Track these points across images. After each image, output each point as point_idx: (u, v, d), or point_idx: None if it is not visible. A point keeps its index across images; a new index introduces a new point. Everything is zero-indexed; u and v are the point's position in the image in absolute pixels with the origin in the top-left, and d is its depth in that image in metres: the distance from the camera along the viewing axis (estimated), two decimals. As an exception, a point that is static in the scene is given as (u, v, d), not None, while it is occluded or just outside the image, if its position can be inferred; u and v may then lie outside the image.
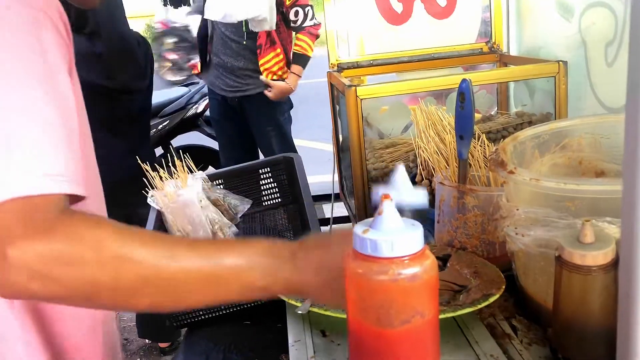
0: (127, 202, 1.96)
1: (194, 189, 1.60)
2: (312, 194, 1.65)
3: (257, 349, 1.28)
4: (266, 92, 3.05)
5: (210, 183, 1.74)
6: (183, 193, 1.58)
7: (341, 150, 2.16)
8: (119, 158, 2.44)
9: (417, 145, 1.64)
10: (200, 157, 3.84)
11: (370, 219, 0.64)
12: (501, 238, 1.07)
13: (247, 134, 3.21)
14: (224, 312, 1.35)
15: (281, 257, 0.66)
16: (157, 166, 1.69)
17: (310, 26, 3.04)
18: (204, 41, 3.16)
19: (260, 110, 3.12)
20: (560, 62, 1.59)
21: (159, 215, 1.61)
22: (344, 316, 0.90)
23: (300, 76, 3.04)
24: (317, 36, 3.10)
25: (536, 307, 0.97)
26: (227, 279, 0.62)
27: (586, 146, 1.12)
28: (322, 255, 0.68)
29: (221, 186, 1.78)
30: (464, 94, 0.99)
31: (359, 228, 0.62)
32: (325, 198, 2.55)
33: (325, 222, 2.37)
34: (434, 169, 1.44)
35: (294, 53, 3.05)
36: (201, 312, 1.34)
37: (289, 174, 1.78)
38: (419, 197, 0.75)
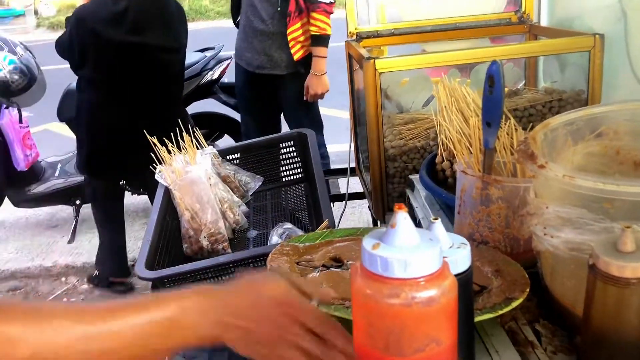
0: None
1: (203, 166, 1.53)
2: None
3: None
4: (306, 98, 2.95)
5: (220, 159, 1.67)
6: (191, 170, 1.51)
7: (358, 124, 2.07)
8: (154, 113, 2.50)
9: (438, 124, 1.54)
10: (215, 125, 3.77)
11: (382, 230, 0.56)
12: (527, 235, 0.99)
13: (272, 105, 3.10)
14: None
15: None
16: (166, 140, 1.62)
17: (326, 3, 2.89)
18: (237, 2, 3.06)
19: (290, 87, 3.00)
20: (597, 36, 1.47)
21: (167, 191, 1.55)
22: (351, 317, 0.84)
23: (325, 57, 2.90)
24: (331, 13, 2.95)
25: (563, 311, 0.90)
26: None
27: (624, 134, 1.02)
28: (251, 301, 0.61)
29: (232, 162, 1.70)
30: (493, 78, 0.90)
31: (368, 241, 0.55)
32: (341, 172, 2.47)
33: (340, 197, 2.30)
34: (455, 149, 1.35)
35: (312, 36, 2.89)
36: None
37: (301, 150, 1.71)
38: (459, 256, 0.66)
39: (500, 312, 0.83)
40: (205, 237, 1.46)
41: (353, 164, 2.25)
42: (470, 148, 1.41)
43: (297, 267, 1.01)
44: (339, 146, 3.91)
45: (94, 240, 3.42)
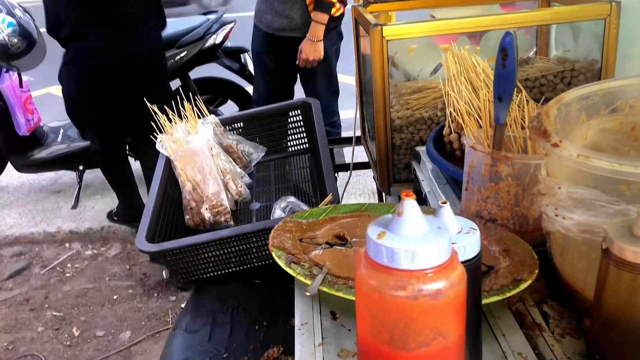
0: None
1: (204, 136, 1.50)
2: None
3: (265, 312, 1.22)
4: (298, 63, 2.85)
5: (222, 128, 1.63)
6: (192, 140, 1.48)
7: (364, 93, 2.03)
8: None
9: (446, 94, 1.50)
10: (219, 90, 3.72)
11: (388, 217, 0.53)
12: (536, 214, 0.96)
13: (289, 70, 3.01)
14: (233, 269, 1.29)
15: None
16: (167, 108, 1.59)
17: None
18: None
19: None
20: (613, 3, 1.41)
21: (168, 162, 1.52)
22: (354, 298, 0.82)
23: (324, 24, 2.80)
24: None
25: (572, 292, 0.87)
26: None
27: (641, 110, 0.98)
28: None
29: (234, 132, 1.67)
30: (507, 50, 0.85)
31: (373, 230, 0.52)
32: (346, 141, 2.44)
33: (345, 167, 2.27)
34: (464, 123, 1.31)
35: (316, 0, 2.78)
36: (209, 269, 1.28)
37: (307, 120, 1.67)
38: (468, 242, 0.63)
39: (508, 295, 0.81)
40: (207, 209, 1.44)
41: (359, 133, 2.21)
42: (480, 121, 1.37)
43: (300, 244, 0.99)
44: (344, 112, 3.86)
45: (97, 206, 3.42)
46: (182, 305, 2.67)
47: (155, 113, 1.56)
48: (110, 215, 3.21)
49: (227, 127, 1.65)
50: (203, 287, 1.31)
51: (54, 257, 3.10)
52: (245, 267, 1.27)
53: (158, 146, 1.52)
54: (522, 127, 1.07)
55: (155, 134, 1.55)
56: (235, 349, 1.15)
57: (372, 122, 1.81)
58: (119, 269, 2.97)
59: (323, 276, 0.86)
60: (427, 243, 0.49)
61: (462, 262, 0.62)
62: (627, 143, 1.00)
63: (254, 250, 1.24)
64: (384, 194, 1.71)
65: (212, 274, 1.28)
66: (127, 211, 3.07)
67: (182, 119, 1.58)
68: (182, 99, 1.58)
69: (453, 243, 0.61)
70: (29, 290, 2.86)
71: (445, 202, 0.61)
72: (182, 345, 1.17)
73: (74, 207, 3.40)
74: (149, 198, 1.40)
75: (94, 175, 3.74)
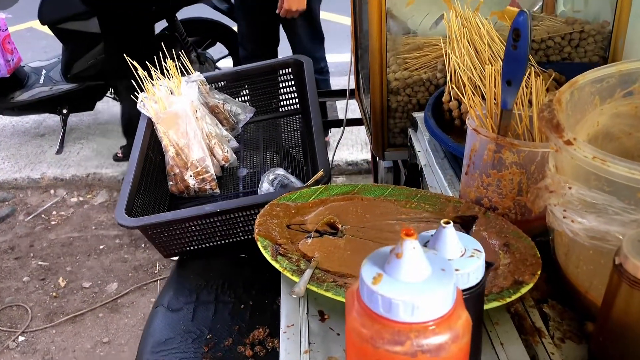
0: None
1: (189, 98, 1.40)
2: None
3: (251, 290, 1.18)
4: (278, 12, 2.67)
5: (207, 86, 1.54)
6: (176, 102, 1.39)
7: (359, 46, 1.92)
8: None
9: (446, 55, 1.41)
10: (207, 32, 3.56)
11: (385, 252, 0.47)
12: (540, 208, 0.90)
13: (270, 12, 2.85)
14: (219, 243, 1.23)
15: None
16: (149, 64, 1.49)
17: None
18: None
19: None
20: (630, -39, 1.31)
21: (150, 123, 1.44)
22: (345, 299, 0.77)
23: None
24: None
25: (575, 293, 0.83)
26: None
27: (659, 93, 0.91)
28: None
29: (221, 91, 1.57)
30: (519, 31, 0.77)
31: (368, 270, 0.46)
32: (339, 94, 2.34)
33: (337, 123, 2.19)
34: (466, 97, 1.23)
35: None
36: (193, 243, 1.22)
37: (297, 79, 1.57)
38: (472, 269, 0.56)
39: (508, 300, 0.75)
40: (191, 176, 1.37)
41: (353, 86, 2.11)
42: (482, 88, 1.29)
43: (288, 230, 0.93)
44: (335, 56, 3.72)
45: (83, 151, 3.33)
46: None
47: (136, 69, 1.46)
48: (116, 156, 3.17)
49: (212, 85, 1.55)
50: (186, 262, 1.25)
51: (39, 204, 3.04)
52: (230, 240, 1.22)
53: (139, 106, 1.43)
54: (530, 105, 1.00)
55: (135, 92, 1.46)
56: (219, 329, 1.11)
57: (367, 78, 1.71)
58: (106, 217, 2.92)
59: (311, 273, 0.81)
60: (430, 292, 0.43)
61: (465, 290, 0.56)
62: (640, 129, 0.93)
63: (240, 224, 1.18)
64: (377, 158, 1.64)
65: (195, 247, 1.23)
66: None
67: (164, 75, 1.48)
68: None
69: (456, 270, 0.55)
70: (14, 238, 2.81)
71: (448, 222, 0.55)
72: (164, 324, 1.13)
73: (59, 152, 3.31)
74: (129, 163, 1.33)
75: (79, 118, 3.63)
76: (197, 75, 1.53)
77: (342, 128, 2.13)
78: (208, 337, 1.10)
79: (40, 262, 2.65)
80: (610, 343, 0.70)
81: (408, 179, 1.32)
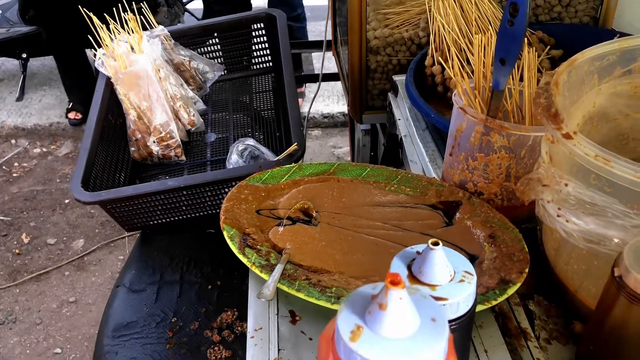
0: None
1: (151, 56, 1.29)
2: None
3: (219, 269, 1.11)
4: None
5: (172, 42, 1.42)
6: (137, 60, 1.27)
7: (337, -3, 1.80)
8: None
9: (431, 15, 1.31)
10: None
11: (367, 296, 0.40)
12: (530, 198, 0.84)
13: None
14: (184, 217, 1.15)
15: None
16: (107, 16, 1.36)
17: None
18: None
19: None
20: None
21: (109, 83, 1.32)
22: (318, 301, 0.70)
23: None
24: None
25: (563, 291, 0.78)
26: None
27: (662, 72, 0.84)
28: None
29: (187, 47, 1.45)
30: (517, 5, 0.68)
31: (346, 320, 0.39)
32: (315, 45, 2.22)
33: (313, 78, 2.08)
34: (452, 71, 1.14)
35: None
36: (156, 217, 1.14)
37: (270, 34, 1.46)
38: (462, 297, 0.49)
39: (494, 303, 0.70)
40: (154, 142, 1.27)
41: (330, 37, 2.00)
42: (467, 53, 1.20)
43: (258, 217, 0.85)
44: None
45: (45, 99, 3.17)
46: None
47: (92, 21, 1.33)
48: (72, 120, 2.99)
49: (178, 40, 1.43)
50: (149, 237, 1.18)
51: (-1, 155, 2.91)
52: (196, 214, 1.14)
53: (97, 64, 1.32)
54: (520, 79, 0.92)
55: (94, 49, 1.34)
56: (184, 312, 1.05)
57: (344, 32, 1.61)
58: (71, 169, 2.79)
59: (281, 271, 0.74)
60: (418, 352, 0.36)
61: (452, 320, 0.50)
62: (639, 109, 0.87)
63: (207, 198, 1.10)
64: (355, 122, 1.56)
65: (159, 221, 1.15)
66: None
67: (124, 28, 1.35)
68: (124, 6, 1.34)
69: (444, 299, 0.48)
70: (-27, 191, 2.69)
71: (437, 244, 0.48)
72: (126, 306, 1.07)
73: (19, 99, 3.14)
74: (86, 127, 1.22)
75: (40, 63, 3.43)
76: (160, 30, 1.40)
77: (318, 84, 2.03)
78: (173, 320, 1.04)
79: (1, 217, 2.54)
80: (601, 353, 0.66)
81: (387, 151, 1.25)
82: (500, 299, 0.70)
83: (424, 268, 0.49)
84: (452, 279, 0.50)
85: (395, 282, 0.37)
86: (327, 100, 2.98)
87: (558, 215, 0.68)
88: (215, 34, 1.46)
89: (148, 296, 1.07)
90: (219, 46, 1.47)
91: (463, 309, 0.49)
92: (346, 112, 2.87)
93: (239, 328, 1.02)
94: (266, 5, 2.78)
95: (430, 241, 0.48)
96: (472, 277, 0.50)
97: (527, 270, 0.75)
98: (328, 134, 2.86)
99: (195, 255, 1.13)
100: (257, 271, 0.74)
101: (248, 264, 0.75)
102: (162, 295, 1.07)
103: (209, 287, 1.08)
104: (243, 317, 1.03)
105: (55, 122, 2.98)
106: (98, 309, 2.14)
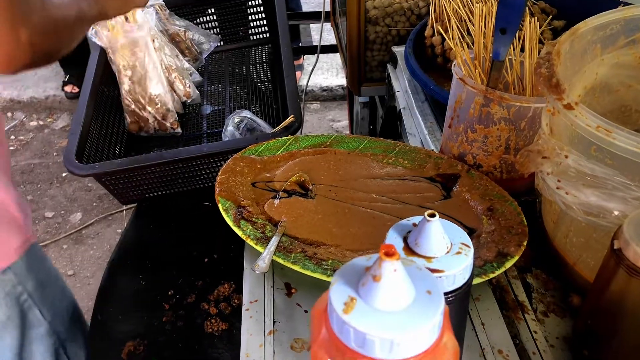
0: None
1: (147, 25, 1.26)
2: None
3: (215, 242, 1.10)
4: None
5: (167, 11, 1.39)
6: (132, 29, 1.25)
7: (336, -34, 1.76)
8: None
9: (431, -16, 1.28)
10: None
11: (360, 268, 0.39)
12: (529, 170, 0.82)
13: None
14: (180, 190, 1.14)
15: None
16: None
17: None
18: None
19: None
20: None
21: (103, 54, 1.30)
22: (314, 274, 0.70)
23: None
24: None
25: (561, 263, 0.77)
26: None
27: (667, 42, 0.82)
28: None
29: (182, 17, 1.43)
30: (519, -28, 0.66)
31: (338, 293, 0.38)
32: (313, 16, 2.18)
33: (311, 50, 2.05)
34: (449, 29, 1.12)
35: None
36: (152, 189, 1.13)
37: (266, 3, 1.43)
38: (458, 270, 0.48)
39: (492, 276, 0.69)
40: (150, 113, 1.25)
41: (328, 8, 1.97)
42: (468, 23, 1.18)
43: (253, 189, 0.84)
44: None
45: (41, 71, 3.13)
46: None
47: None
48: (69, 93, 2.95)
49: (172, 11, 1.41)
50: (145, 211, 1.17)
51: (-5, 128, 2.88)
52: (192, 187, 1.13)
53: (90, 34, 1.29)
54: (522, 50, 0.90)
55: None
56: (181, 285, 1.04)
57: (343, 2, 1.58)
58: (67, 143, 2.78)
59: (277, 243, 0.73)
60: (412, 326, 0.35)
61: (448, 293, 0.49)
62: (643, 80, 0.85)
63: (203, 171, 1.09)
64: (354, 94, 1.54)
65: (155, 194, 1.14)
66: None
67: None
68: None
69: (440, 271, 0.47)
70: (-30, 164, 2.67)
71: (433, 215, 0.47)
72: (122, 279, 1.06)
73: (14, 71, 3.10)
74: (79, 101, 1.21)
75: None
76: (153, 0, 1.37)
77: (316, 56, 2.00)
78: (169, 293, 1.03)
79: (-1, 190, 2.53)
80: (598, 327, 0.65)
81: (385, 123, 1.23)
82: (498, 272, 0.70)
83: (420, 240, 0.48)
84: (449, 251, 0.49)
85: (390, 254, 0.36)
86: (325, 73, 2.95)
87: (558, 188, 0.67)
88: (211, 4, 1.43)
89: (144, 270, 1.06)
90: (214, 17, 1.44)
91: (459, 282, 0.48)
92: (345, 85, 2.84)
93: (236, 301, 1.02)
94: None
95: (426, 213, 0.47)
96: (469, 249, 0.49)
97: (525, 243, 0.74)
98: (327, 107, 2.84)
99: (191, 229, 1.13)
100: (252, 244, 0.73)
101: (243, 237, 0.74)
102: (157, 269, 1.06)
103: (206, 260, 1.07)
104: (240, 290, 1.03)
105: (51, 94, 2.95)
106: (96, 282, 2.15)
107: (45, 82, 3.02)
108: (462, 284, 0.49)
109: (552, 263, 0.79)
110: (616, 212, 0.63)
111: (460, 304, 0.50)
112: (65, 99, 2.95)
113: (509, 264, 0.71)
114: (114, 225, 2.36)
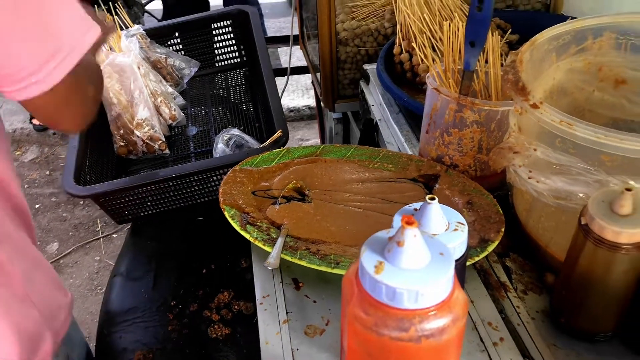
0: None
1: (131, 53, 1.33)
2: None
3: (212, 253, 1.17)
4: None
5: (148, 40, 1.46)
6: (118, 57, 1.31)
7: (303, -7, 1.87)
8: None
9: (397, 6, 1.39)
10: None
11: (384, 239, 0.47)
12: (502, 166, 0.92)
13: None
14: (174, 207, 1.20)
15: None
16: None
17: None
18: None
19: None
20: None
21: (90, 82, 1.35)
22: (320, 267, 0.77)
23: None
24: None
25: (535, 247, 0.87)
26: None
27: (610, 50, 0.93)
28: None
29: (162, 44, 1.50)
30: (485, -7, 0.76)
31: (369, 258, 0.46)
32: (282, 40, 2.28)
33: (281, 72, 2.14)
34: (416, 47, 1.22)
35: None
36: (147, 208, 1.19)
37: (243, 29, 1.51)
38: (457, 243, 0.57)
39: (476, 259, 0.78)
40: (138, 137, 1.31)
41: (296, 32, 2.06)
42: (433, 40, 1.29)
43: (254, 197, 0.92)
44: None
45: (6, 105, 3.13)
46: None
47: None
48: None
49: (152, 39, 1.47)
50: (140, 228, 1.22)
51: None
52: (185, 204, 1.19)
53: (77, 64, 1.35)
54: (486, 61, 1.00)
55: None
56: (182, 295, 1.10)
57: (313, 26, 1.68)
58: (38, 175, 2.78)
59: (283, 242, 0.80)
60: (432, 279, 0.44)
61: (451, 264, 0.57)
62: (593, 83, 0.96)
63: (195, 187, 1.15)
64: (328, 110, 1.63)
65: (150, 212, 1.20)
66: None
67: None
68: (97, 6, 1.38)
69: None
70: (-61, 201, 2.64)
71: (433, 198, 0.55)
72: (125, 293, 1.11)
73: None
74: (72, 128, 1.25)
75: None
76: (136, 29, 1.44)
77: (286, 77, 2.09)
78: (172, 304, 1.09)
79: (-29, 226, 2.52)
80: (572, 297, 0.74)
81: (363, 134, 1.33)
82: (482, 255, 0.79)
83: (422, 220, 0.56)
84: (447, 228, 0.57)
85: (410, 222, 0.44)
86: (292, 94, 3.05)
87: (529, 178, 0.77)
88: (190, 32, 1.51)
89: (146, 283, 1.11)
90: (194, 42, 1.51)
91: (458, 254, 0.57)
92: (312, 105, 2.94)
93: (236, 307, 1.08)
94: (222, 5, 2.83)
95: (427, 196, 0.56)
96: (464, 226, 0.58)
97: (503, 229, 0.83)
98: (295, 127, 2.93)
99: (187, 242, 1.19)
100: (260, 245, 0.80)
101: (251, 239, 0.81)
102: (159, 281, 1.12)
103: (204, 270, 1.13)
104: (239, 297, 1.09)
105: (18, 127, 2.95)
106: (78, 309, 2.16)
107: (12, 116, 3.03)
108: (461, 256, 0.57)
109: (527, 247, 0.89)
110: (581, 195, 0.73)
111: (459, 275, 0.59)
112: (34, 132, 2.95)
113: (490, 248, 0.80)
114: (92, 253, 2.38)
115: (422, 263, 0.45)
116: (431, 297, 0.44)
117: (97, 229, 2.48)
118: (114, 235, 2.45)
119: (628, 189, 0.65)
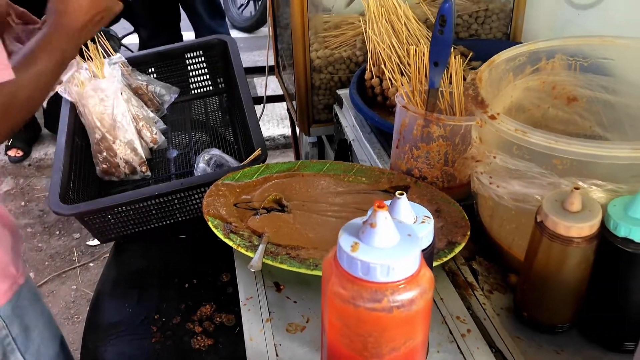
0: None
1: (114, 79, 1.38)
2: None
3: (194, 269, 1.20)
4: None
5: (129, 68, 1.52)
6: (101, 83, 1.37)
7: (278, 24, 1.95)
8: None
9: (367, 36, 1.48)
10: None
11: (358, 224, 0.53)
12: (466, 176, 1.00)
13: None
14: (157, 225, 1.24)
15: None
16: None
17: None
18: None
19: None
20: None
21: (73, 108, 1.40)
22: (299, 270, 0.82)
23: None
24: None
25: (499, 250, 0.93)
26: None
27: (562, 70, 1.02)
28: None
29: (143, 72, 1.56)
30: (445, 17, 0.84)
31: (346, 240, 0.51)
32: (257, 70, 2.37)
33: (258, 101, 2.21)
34: (394, 79, 1.30)
35: None
36: (131, 226, 1.22)
37: (222, 58, 1.59)
38: (425, 233, 0.64)
39: (445, 259, 0.84)
40: (121, 159, 1.36)
41: (272, 62, 2.14)
42: (401, 66, 1.37)
43: (236, 209, 0.97)
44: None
45: None
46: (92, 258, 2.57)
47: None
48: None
49: (134, 67, 1.53)
50: (124, 247, 1.26)
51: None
52: (168, 222, 1.23)
53: (60, 91, 1.40)
54: (450, 82, 1.08)
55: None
56: (166, 309, 1.13)
57: (288, 56, 1.75)
58: (14, 206, 2.78)
59: (264, 247, 0.86)
60: (401, 255, 0.50)
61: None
62: (547, 101, 1.05)
63: (177, 206, 1.20)
64: (304, 135, 1.70)
65: (134, 231, 1.23)
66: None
67: (84, 60, 1.44)
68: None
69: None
70: None
71: (402, 193, 0.62)
72: (109, 309, 1.14)
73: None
74: (56, 151, 1.30)
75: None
76: (118, 57, 1.50)
77: (262, 105, 2.17)
78: (155, 317, 1.12)
79: (-56, 257, 2.50)
80: (532, 291, 0.81)
81: (338, 154, 1.39)
82: (450, 256, 0.85)
83: (393, 213, 0.63)
84: (415, 221, 0.64)
85: (381, 206, 0.50)
86: (267, 124, 3.12)
87: (490, 183, 0.84)
88: (170, 60, 1.58)
89: (129, 299, 1.14)
90: (173, 71, 1.58)
91: (426, 243, 0.63)
92: (287, 134, 3.02)
93: (218, 319, 1.11)
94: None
95: (397, 192, 0.62)
96: (430, 219, 0.64)
97: (469, 233, 0.90)
98: (270, 156, 2.97)
99: (169, 259, 1.22)
100: (243, 251, 0.85)
101: (234, 246, 0.86)
102: (142, 297, 1.15)
103: (186, 285, 1.17)
104: (221, 309, 1.13)
105: (-7, 160, 2.96)
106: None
107: (-13, 148, 3.03)
108: (428, 245, 0.63)
109: (492, 251, 0.95)
110: (537, 196, 0.80)
111: (427, 263, 0.65)
112: (9, 163, 2.96)
113: (457, 249, 0.86)
114: (68, 282, 2.38)
115: (392, 242, 0.50)
116: (401, 271, 0.49)
117: (74, 259, 2.48)
118: (91, 265, 2.46)
119: (576, 188, 0.72)
